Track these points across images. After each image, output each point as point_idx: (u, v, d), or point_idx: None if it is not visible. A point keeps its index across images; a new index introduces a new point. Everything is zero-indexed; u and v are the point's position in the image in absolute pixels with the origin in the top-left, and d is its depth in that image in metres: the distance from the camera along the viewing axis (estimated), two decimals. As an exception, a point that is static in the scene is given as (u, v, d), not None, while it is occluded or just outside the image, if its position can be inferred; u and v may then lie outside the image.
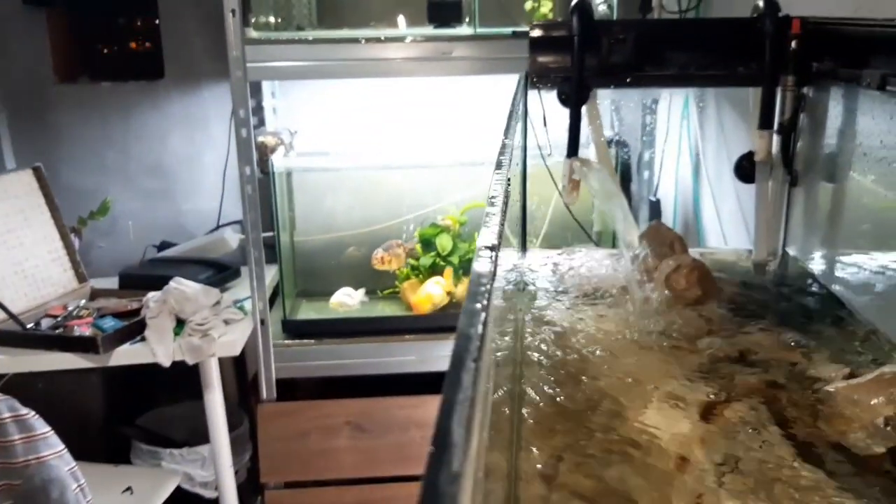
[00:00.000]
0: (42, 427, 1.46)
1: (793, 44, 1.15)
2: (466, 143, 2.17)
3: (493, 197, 0.67)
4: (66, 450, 1.50)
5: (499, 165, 0.77)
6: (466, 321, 0.40)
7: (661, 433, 0.80)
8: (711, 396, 0.84)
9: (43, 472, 1.43)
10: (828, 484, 0.69)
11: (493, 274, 0.46)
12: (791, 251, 1.24)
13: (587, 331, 1.04)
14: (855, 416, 0.74)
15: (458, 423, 0.30)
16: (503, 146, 0.88)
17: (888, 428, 0.72)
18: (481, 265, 0.47)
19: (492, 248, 0.49)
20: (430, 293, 2.05)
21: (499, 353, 1.18)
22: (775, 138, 1.21)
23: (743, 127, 1.48)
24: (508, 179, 0.74)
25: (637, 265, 1.16)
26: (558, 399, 0.87)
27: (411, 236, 2.15)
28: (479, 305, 0.41)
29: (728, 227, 1.57)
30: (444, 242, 2.09)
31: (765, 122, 1.19)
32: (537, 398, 0.89)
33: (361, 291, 2.11)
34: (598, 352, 0.98)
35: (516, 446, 0.80)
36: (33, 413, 1.46)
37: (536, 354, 0.97)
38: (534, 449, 0.77)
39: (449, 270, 2.08)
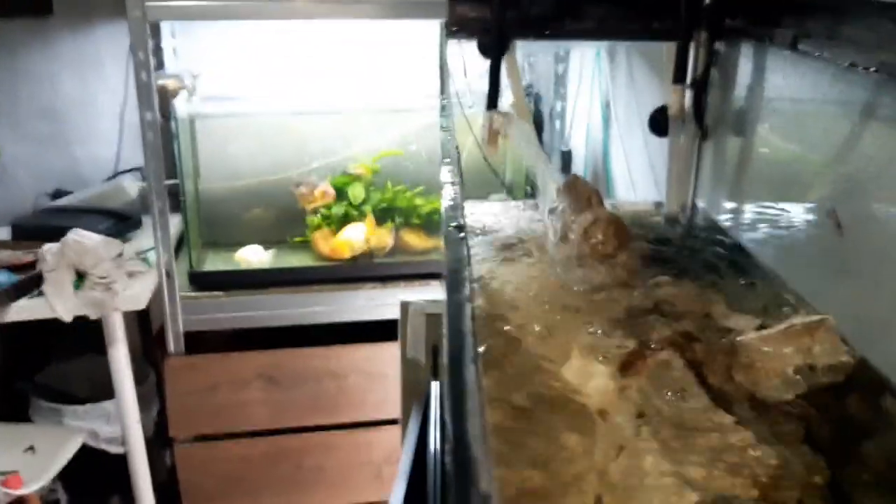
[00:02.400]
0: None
1: (706, 0, 1.17)
2: (378, 88, 2.13)
3: (446, 160, 0.67)
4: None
5: (443, 128, 0.76)
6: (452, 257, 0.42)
7: (580, 386, 0.82)
8: (629, 347, 0.86)
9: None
10: (743, 432, 0.73)
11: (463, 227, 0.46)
12: (700, 203, 1.28)
13: (507, 283, 1.05)
14: (767, 366, 0.78)
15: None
16: (443, 107, 0.87)
17: (798, 377, 0.76)
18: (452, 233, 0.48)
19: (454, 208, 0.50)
20: (350, 239, 2.02)
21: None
22: (687, 93, 1.24)
23: (654, 80, 1.50)
24: (457, 147, 0.73)
25: (555, 218, 1.17)
26: (479, 349, 0.87)
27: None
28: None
29: (637, 178, 1.61)
30: (356, 192, 2.07)
31: (679, 77, 1.21)
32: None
33: (270, 252, 2.06)
34: (517, 304, 0.99)
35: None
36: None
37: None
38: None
39: (370, 218, 2.05)
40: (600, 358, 0.84)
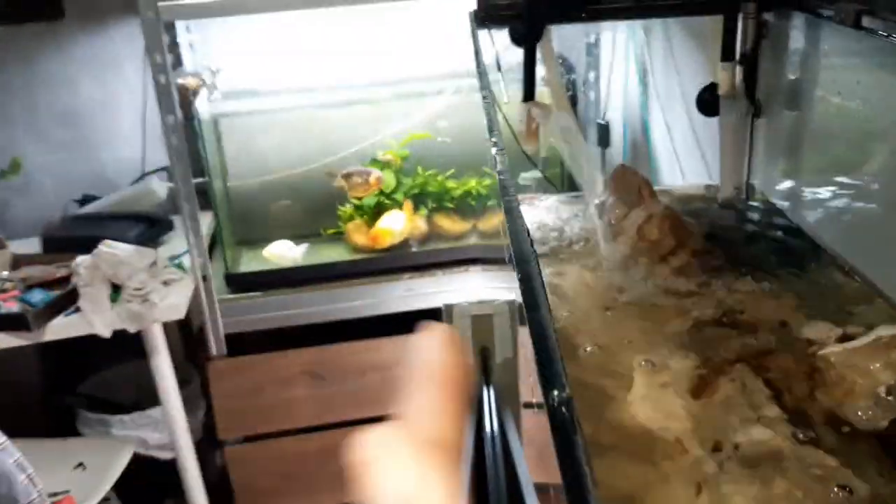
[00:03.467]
0: (-21, 421, 1.37)
1: (754, -32, 1.09)
2: (401, 72, 2.06)
3: (499, 171, 0.62)
4: (8, 441, 1.41)
5: (490, 130, 0.70)
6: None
7: (650, 415, 0.76)
8: (698, 366, 0.81)
9: (-13, 469, 1.35)
10: (829, 461, 0.67)
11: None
12: (756, 184, 1.21)
13: (556, 290, 0.99)
14: (854, 386, 0.72)
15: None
16: (485, 101, 0.81)
17: (889, 397, 0.70)
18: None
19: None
20: (390, 227, 1.97)
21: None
22: (737, 69, 1.16)
23: (695, 51, 1.42)
24: (502, 149, 0.67)
25: (604, 215, 1.11)
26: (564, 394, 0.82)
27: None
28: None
29: (682, 153, 1.53)
30: (387, 179, 2.01)
31: (728, 53, 1.13)
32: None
33: (302, 247, 2.01)
34: (569, 315, 0.94)
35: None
36: (-32, 407, 1.36)
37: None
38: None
39: (408, 203, 2.00)
40: (668, 380, 0.79)
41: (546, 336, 0.34)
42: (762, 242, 1.08)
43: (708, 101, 1.18)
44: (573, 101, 1.99)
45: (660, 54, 1.61)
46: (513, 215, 0.51)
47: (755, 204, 1.19)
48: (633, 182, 1.13)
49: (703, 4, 1.14)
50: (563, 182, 1.96)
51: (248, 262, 2.06)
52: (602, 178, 1.14)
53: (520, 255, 0.41)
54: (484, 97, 0.94)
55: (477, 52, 1.08)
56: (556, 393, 0.31)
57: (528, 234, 0.47)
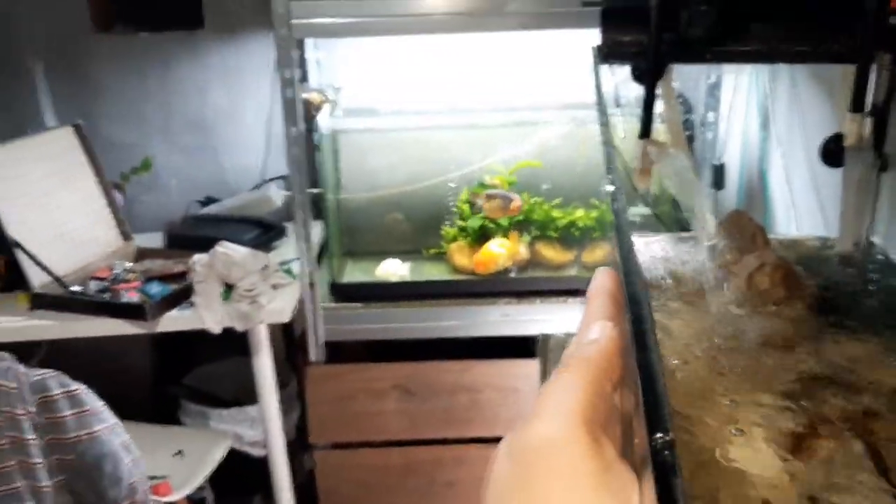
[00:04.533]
0: (93, 401, 1.46)
1: (892, 19, 1.05)
2: (517, 99, 2.08)
3: (616, 209, 0.62)
4: (118, 422, 1.50)
5: (609, 171, 0.71)
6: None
7: (745, 468, 0.75)
8: (800, 428, 0.78)
9: (95, 447, 1.44)
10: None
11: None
12: (877, 241, 1.16)
13: (661, 331, 0.98)
14: (971, 462, 0.68)
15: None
16: (605, 141, 0.81)
17: None
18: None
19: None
20: (495, 252, 2.00)
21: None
22: (866, 120, 1.12)
23: (822, 98, 1.38)
24: (620, 187, 0.67)
25: (714, 258, 1.09)
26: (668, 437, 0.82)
27: (458, 196, 2.09)
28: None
29: (800, 202, 1.49)
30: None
31: (858, 104, 1.09)
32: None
33: (407, 266, 2.06)
34: (672, 359, 0.92)
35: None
36: (84, 387, 1.46)
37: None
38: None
39: (515, 233, 2.02)
40: (767, 434, 0.77)
41: (655, 378, 0.34)
42: (879, 302, 1.04)
43: (832, 152, 1.15)
44: (690, 140, 1.97)
45: (784, 99, 1.57)
46: (628, 256, 0.51)
47: (875, 261, 1.14)
48: (747, 228, 1.11)
49: (836, 53, 1.11)
50: (672, 221, 1.93)
51: (353, 273, 2.12)
52: (715, 220, 1.13)
53: (632, 297, 0.41)
54: (603, 135, 0.95)
55: (598, 88, 1.09)
56: (660, 436, 0.32)
57: (642, 277, 0.48)
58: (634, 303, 0.42)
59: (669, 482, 0.30)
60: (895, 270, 1.10)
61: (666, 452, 0.31)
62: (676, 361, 0.92)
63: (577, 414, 0.35)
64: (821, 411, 0.80)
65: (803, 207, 1.47)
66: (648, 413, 0.32)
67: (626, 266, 0.47)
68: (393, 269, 2.04)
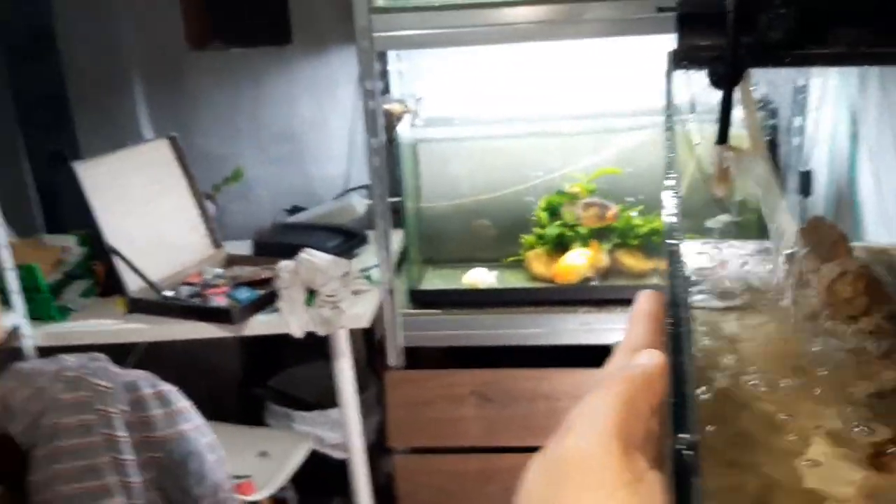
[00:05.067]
0: (181, 401, 1.53)
1: None
2: (595, 106, 2.07)
3: (670, 215, 0.62)
4: (204, 422, 1.57)
5: (667, 171, 0.70)
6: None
7: (819, 482, 0.73)
8: (880, 435, 0.76)
9: (182, 446, 1.50)
10: None
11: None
12: (971, 250, 1.11)
13: (735, 343, 0.96)
14: None
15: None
16: (667, 147, 0.81)
17: None
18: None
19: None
20: (575, 263, 1.99)
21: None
22: (959, 123, 1.07)
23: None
24: (678, 192, 0.67)
25: (793, 267, 1.06)
26: (706, 430, 0.81)
27: (537, 203, 2.09)
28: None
29: (892, 212, 1.43)
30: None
31: (949, 107, 1.05)
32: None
33: (494, 274, 2.08)
34: (748, 372, 0.91)
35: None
36: (173, 388, 1.52)
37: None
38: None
39: (595, 243, 2.02)
40: (846, 447, 0.75)
41: (686, 381, 0.35)
42: (972, 313, 0.99)
43: (922, 156, 1.11)
44: (773, 146, 1.92)
45: (874, 104, 1.52)
46: (673, 258, 0.51)
47: (969, 270, 1.09)
48: (828, 235, 1.07)
49: (924, 54, 1.07)
50: (758, 229, 1.88)
51: (432, 280, 2.15)
52: (795, 227, 1.10)
53: (674, 299, 0.42)
54: (667, 141, 0.94)
55: (668, 94, 1.08)
56: (685, 436, 0.32)
57: (686, 279, 0.48)
58: (674, 305, 0.43)
59: (688, 482, 0.30)
60: None
61: (689, 453, 0.31)
62: (753, 374, 0.90)
63: (610, 429, 0.36)
64: (901, 424, 0.77)
65: (895, 215, 1.42)
66: (676, 413, 0.33)
67: (673, 269, 0.47)
68: (480, 278, 2.06)
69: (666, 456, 0.40)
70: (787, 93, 1.98)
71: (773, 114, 1.96)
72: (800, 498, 0.72)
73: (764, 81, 2.01)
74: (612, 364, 0.43)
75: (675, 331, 0.38)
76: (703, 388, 0.89)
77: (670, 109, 1.12)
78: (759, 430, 0.80)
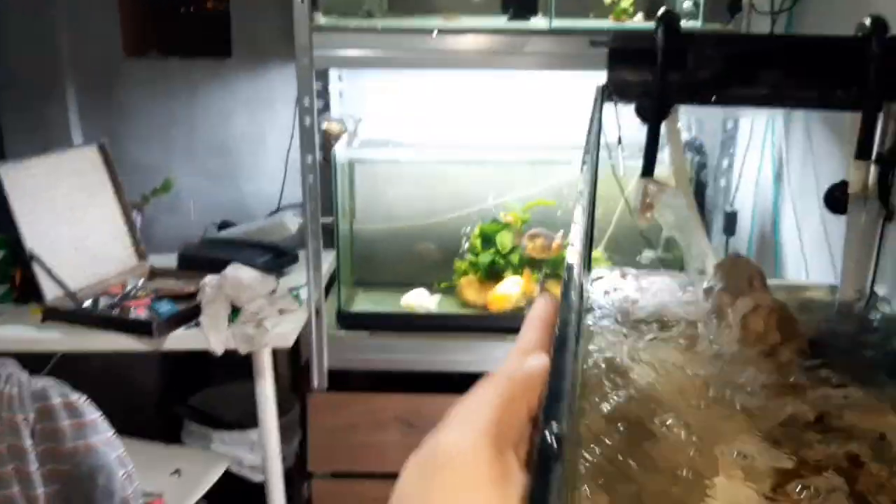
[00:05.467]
0: (92, 413, 1.47)
1: (900, 68, 1.05)
2: (533, 138, 2.10)
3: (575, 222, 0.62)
4: (114, 435, 1.51)
5: (582, 195, 0.71)
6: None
7: (727, 506, 0.73)
8: (785, 469, 0.77)
9: (90, 459, 1.44)
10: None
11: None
12: (880, 291, 1.14)
13: (647, 372, 0.97)
14: (951, 514, 0.66)
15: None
16: (585, 175, 0.82)
17: None
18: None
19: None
20: (508, 293, 2.00)
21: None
22: (872, 168, 1.11)
23: (834, 146, 1.37)
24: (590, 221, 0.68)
25: (710, 300, 1.08)
26: (618, 457, 0.81)
27: (470, 232, 2.10)
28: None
29: (810, 251, 1.48)
30: (504, 240, 2.03)
31: (863, 152, 1.09)
32: (592, 446, 0.83)
33: (435, 298, 2.07)
34: (660, 400, 0.91)
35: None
36: (84, 398, 1.47)
37: (594, 397, 0.91)
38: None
39: (528, 272, 2.02)
40: (750, 475, 0.75)
41: (564, 376, 0.34)
42: (876, 352, 1.02)
43: (838, 199, 1.14)
44: (700, 186, 1.96)
45: (798, 147, 1.57)
46: (569, 275, 0.51)
47: (876, 312, 1.12)
48: (744, 270, 1.09)
49: (842, 100, 1.11)
50: (683, 265, 1.92)
51: (362, 303, 2.12)
52: (713, 261, 1.12)
53: (564, 302, 0.42)
54: (586, 171, 0.95)
55: (596, 124, 1.10)
56: (553, 425, 0.32)
57: (580, 288, 0.48)
58: (564, 309, 0.43)
59: (550, 468, 0.29)
60: (895, 323, 1.08)
61: (554, 443, 0.31)
62: (664, 403, 0.91)
63: (485, 426, 0.35)
64: (805, 455, 0.78)
65: (813, 255, 1.46)
66: (549, 404, 0.32)
67: (565, 278, 0.47)
68: (420, 300, 2.04)
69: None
70: (716, 135, 2.03)
71: (702, 155, 2.01)
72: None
73: (694, 122, 2.07)
74: (505, 366, 0.42)
75: (560, 330, 0.38)
76: (609, 407, 0.89)
77: (592, 141, 1.13)
78: (664, 454, 0.81)
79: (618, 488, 0.75)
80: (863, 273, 1.15)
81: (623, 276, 1.28)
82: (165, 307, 1.81)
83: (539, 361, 0.40)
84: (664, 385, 0.94)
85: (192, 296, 1.87)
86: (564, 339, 0.37)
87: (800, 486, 0.75)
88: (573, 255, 0.52)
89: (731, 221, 1.94)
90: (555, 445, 0.30)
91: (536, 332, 0.45)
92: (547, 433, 0.31)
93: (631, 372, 0.97)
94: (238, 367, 2.07)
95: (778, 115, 1.66)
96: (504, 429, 0.36)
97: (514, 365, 0.41)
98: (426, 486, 0.34)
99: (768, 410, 0.87)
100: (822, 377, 0.93)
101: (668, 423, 0.85)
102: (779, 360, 0.98)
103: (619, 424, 0.87)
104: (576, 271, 0.47)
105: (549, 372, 0.39)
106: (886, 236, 1.14)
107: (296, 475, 2.13)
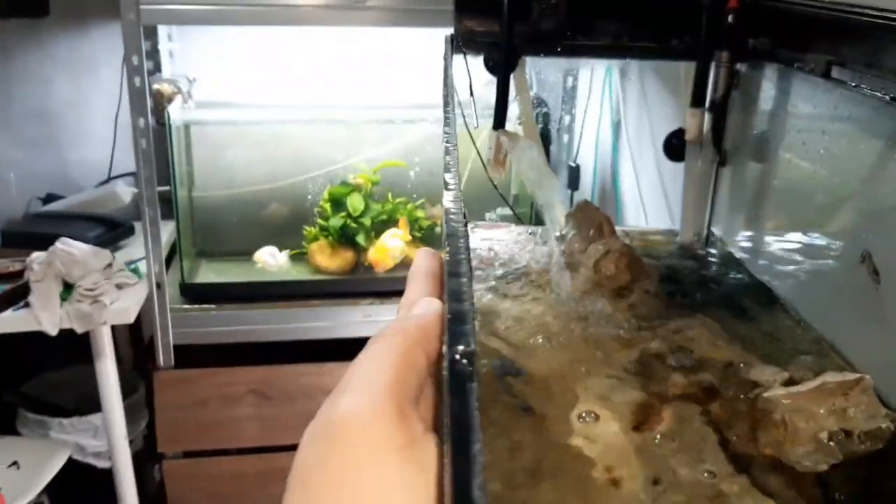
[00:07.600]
0: None
1: (729, 18, 1.10)
2: (381, 98, 2.07)
3: (448, 185, 0.61)
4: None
5: (447, 152, 0.69)
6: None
7: (590, 443, 0.75)
8: (642, 398, 0.80)
9: None
10: (767, 502, 0.66)
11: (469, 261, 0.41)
12: (716, 232, 1.21)
13: (507, 318, 0.98)
14: (797, 429, 0.71)
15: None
16: (446, 118, 0.80)
17: (831, 443, 0.69)
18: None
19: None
20: (390, 246, 1.96)
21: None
22: (706, 116, 1.17)
23: (667, 99, 1.44)
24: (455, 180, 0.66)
25: (562, 247, 1.10)
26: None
27: (319, 194, 2.05)
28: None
29: (648, 199, 1.55)
30: (355, 202, 2.00)
31: (697, 100, 1.14)
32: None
33: (286, 254, 2.00)
34: (518, 343, 0.92)
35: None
36: None
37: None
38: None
39: (403, 220, 2.00)
40: (610, 411, 0.78)
41: (462, 299, 0.33)
42: (717, 288, 1.08)
43: (675, 147, 1.19)
44: (545, 138, 2.01)
45: (633, 98, 1.63)
46: (448, 217, 0.50)
47: (714, 251, 1.19)
48: (594, 217, 1.13)
49: (678, 50, 1.16)
50: (532, 220, 1.97)
51: (206, 274, 2.03)
52: (565, 211, 1.14)
53: (450, 231, 0.41)
54: (446, 124, 0.94)
55: (447, 77, 1.09)
56: (461, 348, 0.30)
57: (465, 221, 0.47)
58: (451, 237, 0.41)
59: (464, 388, 0.28)
60: (731, 261, 1.15)
61: (465, 361, 0.29)
62: (523, 345, 0.92)
63: (384, 388, 0.33)
64: (662, 388, 0.82)
65: (651, 202, 1.53)
66: (452, 328, 0.31)
67: (448, 215, 0.46)
68: (269, 256, 1.97)
69: (442, 419, 0.38)
70: (557, 92, 2.08)
71: (545, 112, 2.05)
72: (574, 457, 0.74)
73: (535, 80, 2.11)
74: (395, 322, 0.40)
75: (451, 258, 0.37)
76: (484, 361, 0.89)
77: (449, 91, 1.12)
78: (531, 397, 0.82)
79: (489, 430, 0.76)
80: (700, 217, 1.22)
81: (478, 228, 1.28)
82: (-14, 288, 1.65)
83: (431, 307, 0.39)
84: (520, 332, 0.95)
85: (19, 274, 1.72)
86: (458, 263, 0.36)
87: (659, 418, 0.79)
88: (448, 200, 0.50)
89: (574, 176, 2.00)
90: (466, 367, 0.29)
91: (421, 284, 0.43)
92: (457, 355, 0.29)
93: (493, 324, 0.97)
94: (73, 349, 1.93)
95: (614, 68, 1.71)
96: (405, 386, 0.34)
97: (404, 318, 0.39)
98: (325, 460, 0.32)
99: (623, 346, 0.90)
100: (671, 314, 0.98)
101: (523, 362, 0.87)
102: (631, 301, 1.02)
103: (483, 361, 0.87)
104: (454, 209, 0.45)
105: (444, 309, 0.37)
106: (721, 180, 1.21)
107: (145, 458, 2.02)
